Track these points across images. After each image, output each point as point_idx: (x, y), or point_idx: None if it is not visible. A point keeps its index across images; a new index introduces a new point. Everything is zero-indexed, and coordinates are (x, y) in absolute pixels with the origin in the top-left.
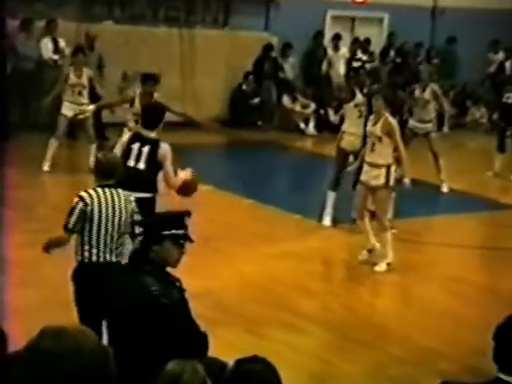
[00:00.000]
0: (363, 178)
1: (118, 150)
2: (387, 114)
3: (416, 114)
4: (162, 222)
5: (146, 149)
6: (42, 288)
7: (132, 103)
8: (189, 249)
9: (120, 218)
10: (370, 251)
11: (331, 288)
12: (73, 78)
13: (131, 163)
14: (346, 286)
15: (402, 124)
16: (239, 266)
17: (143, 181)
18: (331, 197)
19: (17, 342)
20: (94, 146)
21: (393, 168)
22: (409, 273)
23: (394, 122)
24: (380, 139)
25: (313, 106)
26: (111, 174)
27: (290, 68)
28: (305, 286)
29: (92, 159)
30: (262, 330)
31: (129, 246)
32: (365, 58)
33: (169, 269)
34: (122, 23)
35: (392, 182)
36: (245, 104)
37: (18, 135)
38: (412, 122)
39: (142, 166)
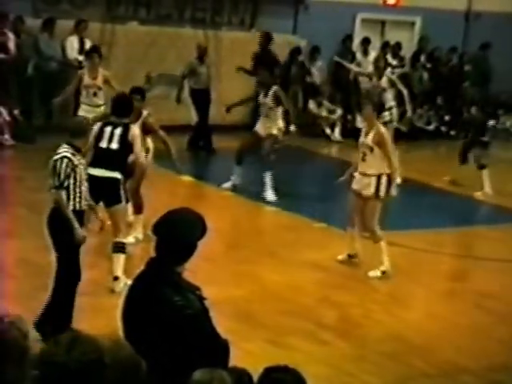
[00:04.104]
0: (355, 186)
1: (91, 140)
2: (378, 124)
3: None
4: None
5: (117, 131)
6: None
7: None
8: (211, 256)
9: None
10: (350, 256)
11: (355, 299)
12: (87, 80)
13: (104, 144)
14: (370, 297)
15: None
16: (262, 274)
17: (115, 160)
18: None
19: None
20: None
21: (384, 178)
22: (435, 285)
23: (385, 132)
24: (371, 150)
25: (339, 111)
26: None
27: (317, 72)
28: (328, 297)
29: None
30: (284, 341)
31: None
32: (394, 62)
33: (188, 276)
34: (147, 24)
35: (382, 192)
36: None
37: (40, 137)
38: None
39: (114, 146)
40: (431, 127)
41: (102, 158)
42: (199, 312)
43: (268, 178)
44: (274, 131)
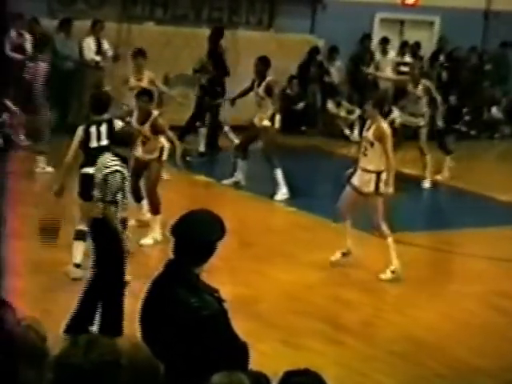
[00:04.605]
0: (356, 182)
1: (72, 147)
2: (381, 120)
3: (408, 108)
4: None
5: (103, 128)
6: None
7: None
8: (225, 256)
9: None
10: (344, 254)
11: (370, 299)
12: (132, 82)
13: (94, 144)
14: (382, 297)
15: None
16: (277, 274)
17: None
18: None
19: None
20: None
21: (384, 175)
22: (451, 285)
23: (386, 128)
24: (372, 144)
25: (358, 111)
26: None
27: (335, 72)
28: (341, 297)
29: None
30: (298, 341)
31: None
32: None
33: (206, 278)
34: (163, 24)
35: (383, 189)
36: (288, 109)
37: (55, 137)
38: (403, 116)
39: (104, 142)
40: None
41: (95, 156)
42: (216, 314)
43: (279, 176)
44: (266, 122)
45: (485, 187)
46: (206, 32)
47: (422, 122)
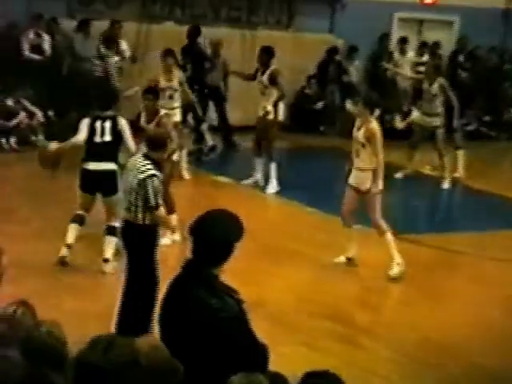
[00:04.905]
0: (352, 181)
1: (83, 131)
2: (372, 120)
3: (423, 107)
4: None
5: (107, 124)
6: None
7: (138, 118)
8: (247, 257)
9: None
10: (348, 259)
11: (391, 302)
12: (163, 82)
13: (97, 139)
14: (406, 301)
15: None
16: (297, 276)
17: (110, 152)
18: None
19: None
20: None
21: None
22: (469, 288)
23: (376, 128)
24: (363, 145)
25: (377, 111)
26: None
27: (354, 72)
28: (364, 300)
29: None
30: (317, 344)
31: None
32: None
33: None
34: (182, 23)
35: (380, 186)
36: (307, 108)
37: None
38: (419, 115)
39: (107, 138)
40: (471, 128)
41: (97, 151)
42: (236, 315)
43: (274, 170)
44: (269, 108)
45: (505, 188)
46: (224, 31)
47: (437, 121)
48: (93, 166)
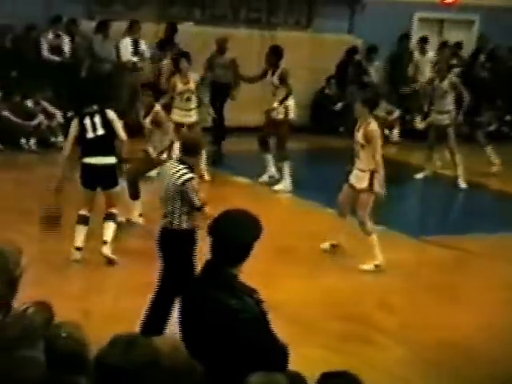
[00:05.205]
0: (352, 180)
1: (72, 131)
2: (371, 120)
3: (435, 105)
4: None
5: (97, 118)
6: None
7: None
8: (268, 259)
9: None
10: (333, 246)
11: (414, 304)
12: (180, 86)
13: (90, 135)
14: (424, 302)
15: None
16: (319, 278)
17: (106, 145)
18: None
19: None
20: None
21: (377, 174)
22: (490, 292)
23: (375, 130)
24: (362, 146)
25: (397, 112)
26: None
27: (374, 72)
28: (386, 301)
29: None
30: (339, 346)
31: None
32: (453, 62)
33: (245, 279)
34: (202, 24)
35: (377, 187)
36: (327, 109)
37: None
38: (431, 115)
39: (100, 132)
40: (492, 128)
41: (93, 147)
42: (256, 316)
43: (287, 169)
44: (283, 116)
45: None
46: (243, 32)
47: (448, 120)
48: (92, 161)
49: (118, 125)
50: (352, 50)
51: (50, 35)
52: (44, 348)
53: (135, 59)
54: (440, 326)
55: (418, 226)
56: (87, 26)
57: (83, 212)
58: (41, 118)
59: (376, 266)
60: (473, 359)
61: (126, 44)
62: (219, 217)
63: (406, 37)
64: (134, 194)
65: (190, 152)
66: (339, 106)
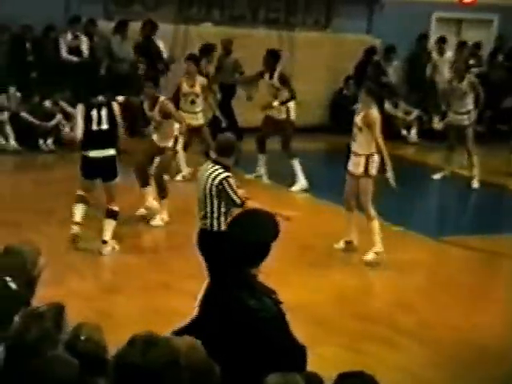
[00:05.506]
0: (349, 167)
1: (79, 119)
2: (373, 107)
3: (454, 106)
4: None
5: (103, 112)
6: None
7: (142, 105)
8: (286, 259)
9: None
10: (347, 243)
11: (433, 304)
12: (185, 88)
13: (95, 127)
14: (446, 302)
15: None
16: (337, 278)
17: (108, 139)
18: None
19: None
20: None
21: (373, 158)
22: None
23: (375, 115)
24: (360, 129)
25: (416, 112)
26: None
27: (392, 72)
28: (405, 302)
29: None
30: (358, 346)
31: None
32: (471, 62)
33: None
34: (221, 25)
35: (373, 171)
36: (346, 109)
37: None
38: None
39: (105, 126)
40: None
41: (95, 139)
42: (275, 316)
43: (297, 166)
44: (285, 115)
45: None
46: (262, 33)
47: (467, 120)
48: (93, 153)
49: (120, 120)
50: (370, 50)
51: (69, 36)
52: (63, 350)
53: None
54: (462, 325)
55: (436, 227)
56: (105, 26)
57: (80, 192)
58: (59, 118)
59: (376, 253)
60: (497, 358)
61: None
62: (237, 217)
63: (424, 37)
64: (144, 182)
65: (224, 153)
66: (357, 106)
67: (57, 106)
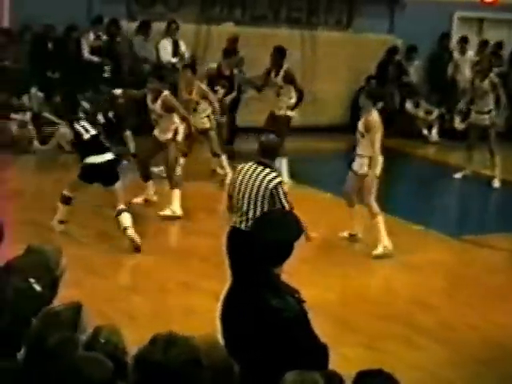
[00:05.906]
0: (354, 167)
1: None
2: (372, 111)
3: (475, 105)
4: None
5: (83, 122)
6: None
7: (145, 98)
8: (306, 259)
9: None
10: (351, 235)
11: (452, 304)
12: (184, 94)
13: (85, 137)
14: (467, 302)
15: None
16: (357, 278)
17: (101, 142)
18: None
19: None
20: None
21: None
22: None
23: (374, 120)
24: (363, 135)
25: (437, 111)
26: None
27: (414, 72)
28: (425, 301)
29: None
30: (378, 345)
31: None
32: (493, 62)
33: (288, 280)
34: (242, 24)
35: (373, 170)
36: None
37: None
38: (473, 114)
39: (93, 132)
40: None
41: (90, 147)
42: (298, 315)
43: (284, 165)
44: (284, 112)
45: None
46: (284, 32)
47: (488, 120)
48: (92, 159)
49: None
50: (392, 50)
51: (91, 36)
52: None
53: (174, 60)
54: (482, 325)
55: (456, 226)
56: (128, 26)
57: (68, 193)
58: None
59: (385, 247)
60: None
61: (165, 45)
62: (260, 217)
63: (445, 36)
64: (146, 176)
65: (269, 155)
66: (379, 105)
67: (79, 106)
